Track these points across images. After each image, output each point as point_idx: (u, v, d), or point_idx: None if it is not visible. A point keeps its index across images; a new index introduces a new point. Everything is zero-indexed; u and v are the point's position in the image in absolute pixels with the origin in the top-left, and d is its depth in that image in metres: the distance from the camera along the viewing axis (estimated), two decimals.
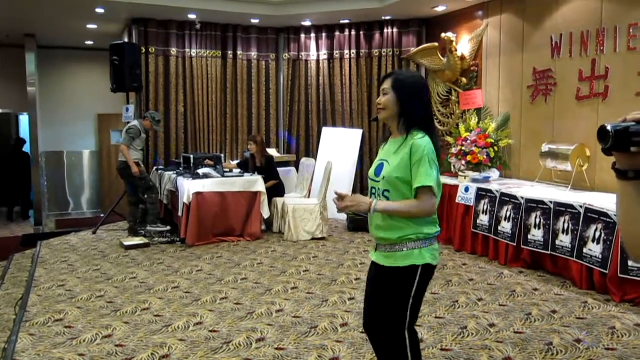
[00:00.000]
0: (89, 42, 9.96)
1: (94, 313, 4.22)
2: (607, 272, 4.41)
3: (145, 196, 6.95)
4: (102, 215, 9.33)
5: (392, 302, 2.37)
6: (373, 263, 2.50)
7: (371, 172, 2.47)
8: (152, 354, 3.46)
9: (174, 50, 8.12)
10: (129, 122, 7.14)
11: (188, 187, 6.41)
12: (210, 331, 3.84)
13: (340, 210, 2.35)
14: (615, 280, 4.35)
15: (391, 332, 2.40)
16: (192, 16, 7.83)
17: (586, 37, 5.59)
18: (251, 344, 3.62)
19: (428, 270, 2.36)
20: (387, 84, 2.41)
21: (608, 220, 4.45)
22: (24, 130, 10.95)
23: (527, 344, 3.57)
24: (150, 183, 7.01)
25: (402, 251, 2.34)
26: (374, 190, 2.44)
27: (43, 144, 9.88)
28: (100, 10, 7.32)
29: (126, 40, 8.41)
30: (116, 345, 3.59)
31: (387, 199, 2.35)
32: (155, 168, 7.96)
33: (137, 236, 6.89)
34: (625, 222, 1.21)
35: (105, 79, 8.23)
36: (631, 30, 5.11)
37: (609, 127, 1.14)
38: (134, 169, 6.70)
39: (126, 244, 6.43)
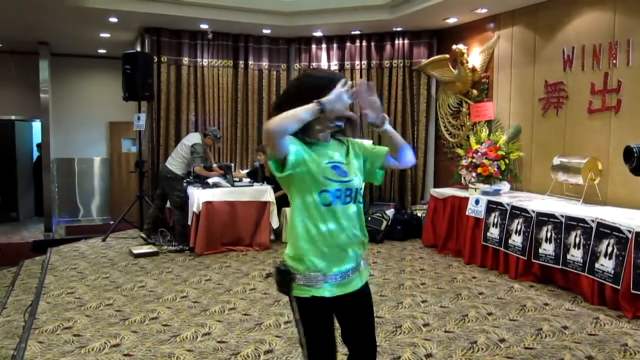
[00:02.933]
0: (102, 51, 10.05)
1: (102, 321, 4.22)
2: (619, 287, 4.36)
3: (176, 213, 6.87)
4: (111, 222, 9.36)
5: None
6: (334, 299, 2.04)
7: (329, 173, 2.03)
8: None
9: (185, 60, 8.17)
10: (193, 142, 6.85)
11: (198, 196, 6.43)
12: (219, 342, 3.83)
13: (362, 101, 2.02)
14: (628, 296, 4.30)
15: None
16: (204, 26, 7.89)
17: (598, 50, 5.56)
18: (259, 355, 3.60)
19: None
20: None
21: (620, 235, 4.40)
22: (36, 137, 11.06)
23: None
24: (183, 204, 6.84)
25: (366, 264, 2.22)
26: (348, 193, 2.06)
27: (54, 150, 9.96)
28: (113, 20, 7.39)
29: (138, 49, 8.47)
30: (124, 355, 3.59)
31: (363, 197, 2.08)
32: None
33: (150, 239, 6.93)
34: None
35: (117, 87, 8.28)
36: None
37: (634, 148, 1.12)
38: (206, 173, 6.92)
39: (135, 252, 6.44)
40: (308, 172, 2.00)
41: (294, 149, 1.96)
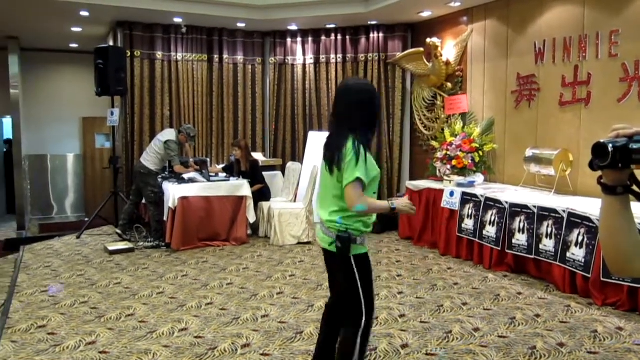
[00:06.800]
0: (74, 45, 9.88)
1: (77, 319, 4.18)
2: (589, 276, 4.46)
3: (151, 209, 6.84)
4: (86, 219, 9.24)
5: None
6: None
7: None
8: None
9: (159, 54, 8.08)
10: (167, 139, 6.79)
11: (173, 192, 6.38)
12: (195, 337, 3.82)
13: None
14: (598, 284, 4.41)
15: None
16: (177, 20, 7.80)
17: (569, 43, 5.66)
18: (236, 349, 3.61)
19: None
20: None
21: (590, 224, 4.50)
22: (7, 133, 10.86)
23: (511, 348, 3.60)
24: (158, 200, 6.82)
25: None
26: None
27: (26, 147, 9.78)
28: (84, 13, 7.26)
29: (111, 43, 8.35)
30: (100, 352, 3.56)
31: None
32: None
33: (126, 236, 6.87)
34: (608, 236, 1.17)
35: (89, 82, 8.17)
36: (612, 37, 5.19)
37: (608, 145, 1.09)
38: (185, 171, 6.96)
39: (110, 248, 6.37)
40: None
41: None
